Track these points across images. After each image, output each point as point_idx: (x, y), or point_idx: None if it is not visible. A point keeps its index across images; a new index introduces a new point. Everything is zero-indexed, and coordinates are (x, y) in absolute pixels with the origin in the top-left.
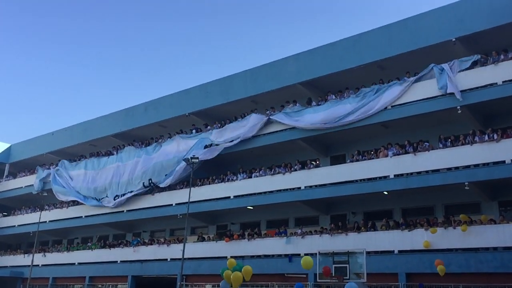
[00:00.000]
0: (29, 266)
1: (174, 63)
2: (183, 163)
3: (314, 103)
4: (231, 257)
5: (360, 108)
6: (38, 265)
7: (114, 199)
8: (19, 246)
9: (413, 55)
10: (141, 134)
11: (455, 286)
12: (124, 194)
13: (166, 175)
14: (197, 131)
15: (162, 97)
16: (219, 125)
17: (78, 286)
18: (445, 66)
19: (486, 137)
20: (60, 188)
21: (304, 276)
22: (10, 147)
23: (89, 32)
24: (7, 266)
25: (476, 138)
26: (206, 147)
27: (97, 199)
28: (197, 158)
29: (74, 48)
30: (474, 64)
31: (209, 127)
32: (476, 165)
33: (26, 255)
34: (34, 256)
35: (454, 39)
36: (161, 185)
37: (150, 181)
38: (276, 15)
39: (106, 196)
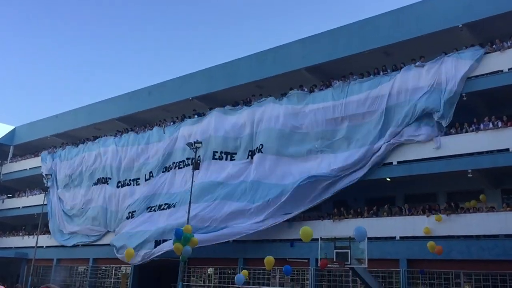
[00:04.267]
0: (33, 247)
1: (179, 47)
2: None
3: (316, 90)
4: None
5: None
6: (42, 247)
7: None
8: (23, 228)
9: (419, 41)
10: (144, 118)
11: (456, 272)
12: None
13: None
14: (199, 116)
15: (166, 81)
16: None
17: (82, 268)
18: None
19: (491, 125)
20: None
21: (306, 260)
22: (14, 129)
23: (95, 14)
24: (12, 247)
25: (481, 126)
26: None
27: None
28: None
29: (80, 31)
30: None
31: None
32: (480, 153)
33: (30, 236)
34: (39, 237)
35: (461, 25)
36: None
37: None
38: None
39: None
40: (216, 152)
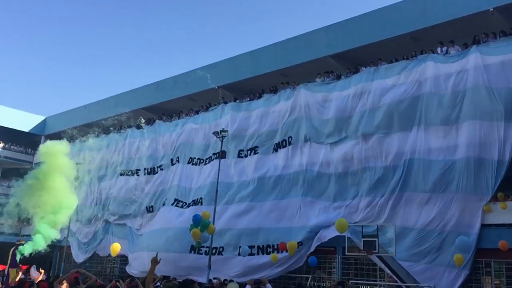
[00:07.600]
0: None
1: (202, 37)
2: None
3: (343, 77)
4: None
5: None
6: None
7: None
8: None
9: (448, 25)
10: (170, 108)
11: (486, 261)
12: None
13: None
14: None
15: (191, 70)
16: None
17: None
18: None
19: None
20: None
21: (333, 249)
22: (45, 119)
23: (121, 7)
24: None
25: None
26: None
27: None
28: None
29: (107, 23)
30: None
31: None
32: None
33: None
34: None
35: (491, 9)
36: None
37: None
38: None
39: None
40: (242, 150)
